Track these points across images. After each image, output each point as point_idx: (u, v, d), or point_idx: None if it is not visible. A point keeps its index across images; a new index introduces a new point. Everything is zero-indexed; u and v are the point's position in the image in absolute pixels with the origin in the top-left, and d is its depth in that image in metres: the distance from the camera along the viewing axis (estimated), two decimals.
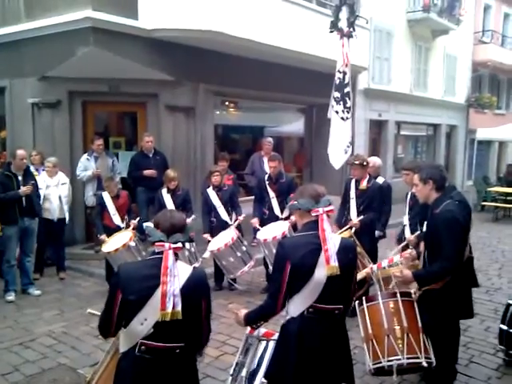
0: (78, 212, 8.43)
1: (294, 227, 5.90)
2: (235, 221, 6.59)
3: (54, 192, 7.00)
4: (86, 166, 7.92)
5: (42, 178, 7.03)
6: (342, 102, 7.82)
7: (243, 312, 2.91)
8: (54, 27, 7.75)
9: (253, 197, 7.13)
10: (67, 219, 7.29)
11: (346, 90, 7.83)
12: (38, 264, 7.04)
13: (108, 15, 7.52)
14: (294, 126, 12.78)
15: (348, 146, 7.89)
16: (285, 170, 7.48)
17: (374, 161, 6.57)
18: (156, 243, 2.46)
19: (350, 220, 5.71)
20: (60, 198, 7.09)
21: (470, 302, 3.78)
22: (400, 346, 3.30)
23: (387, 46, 14.20)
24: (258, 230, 6.21)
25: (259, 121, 11.77)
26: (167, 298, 2.35)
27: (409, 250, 4.21)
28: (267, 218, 6.48)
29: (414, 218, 5.14)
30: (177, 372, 2.49)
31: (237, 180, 8.58)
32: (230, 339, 5.06)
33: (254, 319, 2.89)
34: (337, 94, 7.85)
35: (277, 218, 6.42)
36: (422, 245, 3.89)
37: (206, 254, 6.17)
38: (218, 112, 10.10)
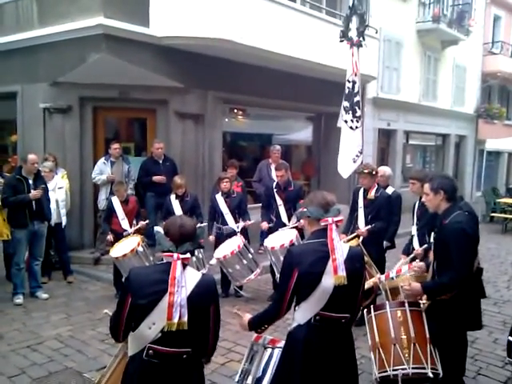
0: (86, 216, 8.50)
1: (302, 235, 5.91)
2: (243, 225, 6.59)
3: (51, 196, 6.90)
4: (102, 169, 7.98)
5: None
6: (351, 112, 7.82)
7: (248, 316, 2.93)
8: (66, 34, 7.85)
9: (259, 204, 7.15)
10: (64, 223, 7.26)
11: (355, 100, 7.83)
12: (45, 268, 7.07)
13: (119, 22, 7.61)
14: (303, 134, 12.80)
15: (357, 156, 7.85)
16: (293, 178, 7.49)
17: (384, 170, 6.55)
18: (165, 253, 2.47)
19: (358, 229, 5.71)
20: (57, 202, 7.09)
21: (478, 313, 3.75)
22: (406, 355, 3.28)
23: (396, 55, 14.22)
24: (267, 232, 6.22)
25: (267, 128, 11.80)
26: (174, 309, 2.37)
27: (415, 262, 4.20)
28: (274, 226, 6.49)
29: (422, 228, 5.12)
30: (183, 377, 2.49)
31: (245, 187, 8.60)
32: (236, 346, 5.07)
33: (257, 323, 2.91)
34: (346, 104, 7.85)
35: (284, 226, 6.42)
36: (431, 255, 3.87)
37: (213, 261, 6.18)
38: (226, 119, 10.15)
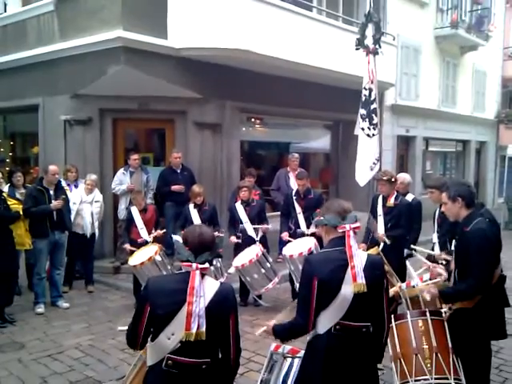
0: (107, 226, 8.58)
1: (321, 243, 5.87)
2: (261, 231, 6.57)
3: (88, 208, 7.18)
4: (122, 180, 8.10)
5: (78, 193, 7.25)
6: (367, 119, 7.78)
7: (272, 323, 2.88)
8: (86, 47, 7.98)
9: (278, 212, 7.13)
10: (97, 234, 7.47)
11: (372, 107, 7.79)
12: (67, 277, 7.17)
13: (138, 35, 7.71)
14: (320, 142, 12.76)
15: (374, 163, 7.80)
16: (311, 186, 7.47)
17: (404, 177, 6.49)
18: (183, 263, 2.46)
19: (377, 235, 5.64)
20: (92, 214, 7.26)
21: (502, 322, 3.67)
22: (428, 365, 3.22)
23: (415, 62, 14.11)
24: (290, 241, 6.20)
25: (285, 137, 11.79)
26: (192, 319, 2.36)
27: (437, 268, 4.13)
28: (293, 234, 6.46)
29: (443, 235, 5.04)
30: None
31: (263, 195, 8.60)
32: (255, 356, 5.03)
33: (284, 336, 2.82)
34: (363, 111, 7.83)
35: (303, 234, 6.39)
36: (452, 263, 3.81)
37: (232, 270, 6.18)
38: (244, 128, 10.18)
